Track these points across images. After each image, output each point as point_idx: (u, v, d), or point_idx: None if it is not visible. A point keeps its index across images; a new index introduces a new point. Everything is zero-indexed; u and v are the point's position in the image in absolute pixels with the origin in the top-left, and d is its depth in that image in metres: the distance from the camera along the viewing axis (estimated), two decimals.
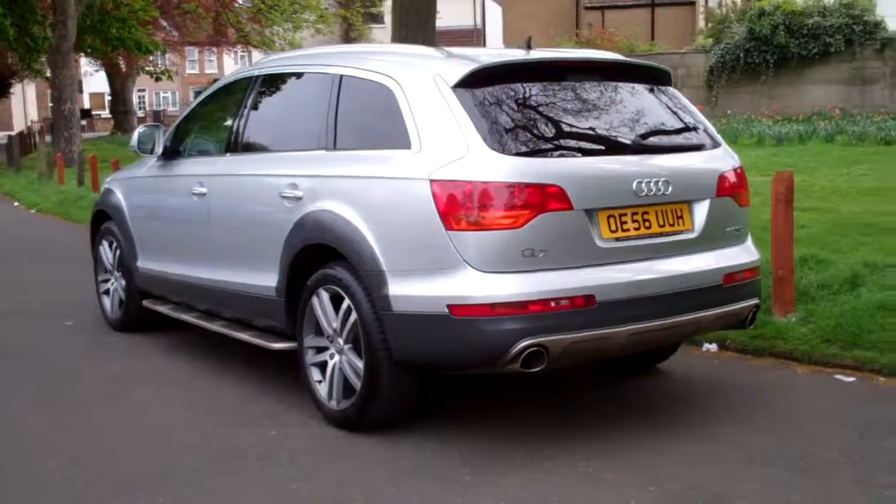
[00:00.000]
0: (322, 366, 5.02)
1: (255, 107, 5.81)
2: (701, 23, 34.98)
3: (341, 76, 5.16)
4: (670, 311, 4.57)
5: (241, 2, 35.47)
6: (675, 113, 5.05)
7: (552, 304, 4.26)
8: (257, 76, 5.89)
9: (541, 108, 4.65)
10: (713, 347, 6.21)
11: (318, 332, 5.03)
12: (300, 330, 5.12)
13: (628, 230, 4.53)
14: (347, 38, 41.98)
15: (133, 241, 6.94)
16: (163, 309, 6.70)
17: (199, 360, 6.39)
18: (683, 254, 4.71)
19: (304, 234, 5.00)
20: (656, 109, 5.00)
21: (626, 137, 4.76)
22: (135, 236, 6.92)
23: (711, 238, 4.83)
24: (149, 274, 6.77)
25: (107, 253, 7.36)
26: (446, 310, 4.29)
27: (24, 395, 5.71)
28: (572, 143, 4.59)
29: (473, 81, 4.55)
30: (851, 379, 5.49)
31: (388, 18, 40.45)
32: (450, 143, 4.41)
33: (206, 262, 5.97)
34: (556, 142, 4.54)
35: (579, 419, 4.98)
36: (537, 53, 5.03)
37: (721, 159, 5.00)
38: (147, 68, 33.29)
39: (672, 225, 4.68)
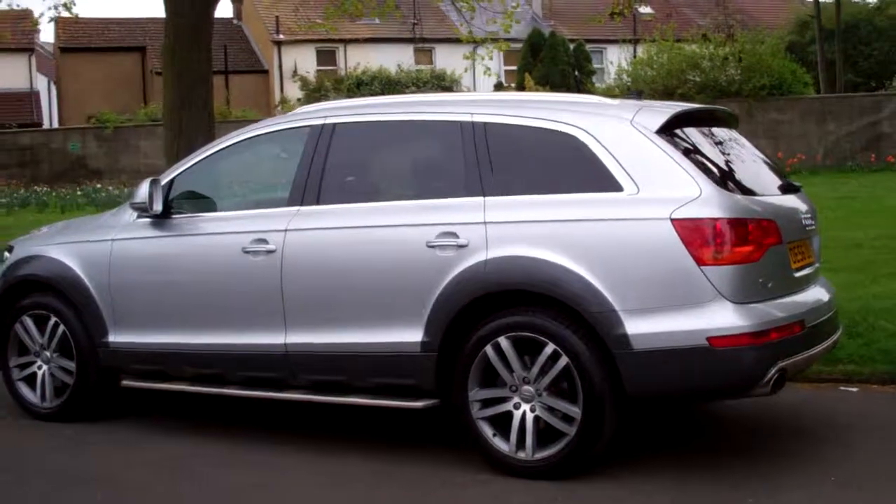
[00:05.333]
0: (496, 419, 4.90)
1: (336, 156, 5.42)
2: (278, 91, 35.95)
3: (484, 124, 5.10)
4: (829, 332, 5.19)
5: None
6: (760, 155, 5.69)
7: (785, 330, 4.67)
8: (328, 125, 5.50)
9: (721, 150, 5.11)
10: None
11: (489, 383, 4.90)
12: (462, 384, 4.94)
13: (798, 261, 5.06)
14: None
15: (99, 314, 5.98)
16: (172, 387, 5.85)
17: (224, 438, 5.74)
18: (816, 283, 5.34)
19: (481, 282, 4.85)
20: (757, 153, 5.59)
21: (776, 178, 5.33)
22: (103, 308, 5.98)
23: (819, 268, 5.50)
24: (134, 350, 5.89)
25: (30, 331, 6.24)
26: (706, 342, 4.49)
27: None
28: (759, 182, 5.09)
29: (669, 127, 4.84)
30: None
31: None
32: (678, 185, 4.63)
33: (274, 326, 5.38)
34: (749, 180, 5.02)
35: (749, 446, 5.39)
36: (670, 104, 5.39)
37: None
38: None
39: (809, 257, 5.28)
